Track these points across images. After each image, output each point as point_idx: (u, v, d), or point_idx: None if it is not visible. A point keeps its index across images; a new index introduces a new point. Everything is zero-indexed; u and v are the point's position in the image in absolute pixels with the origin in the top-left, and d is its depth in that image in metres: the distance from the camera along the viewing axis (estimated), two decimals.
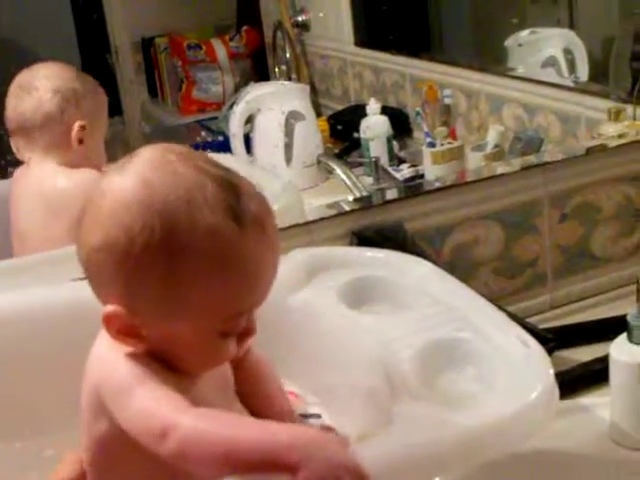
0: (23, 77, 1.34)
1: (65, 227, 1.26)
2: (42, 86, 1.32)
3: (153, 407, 0.73)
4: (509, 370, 0.85)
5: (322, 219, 1.26)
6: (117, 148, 1.44)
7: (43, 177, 1.32)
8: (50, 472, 0.88)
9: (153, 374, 0.76)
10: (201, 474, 0.71)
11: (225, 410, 0.80)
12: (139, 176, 0.75)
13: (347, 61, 1.94)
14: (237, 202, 0.76)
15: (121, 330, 0.77)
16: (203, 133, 1.78)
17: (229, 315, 0.78)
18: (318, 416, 0.90)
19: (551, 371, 0.83)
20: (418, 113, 1.65)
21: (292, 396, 0.98)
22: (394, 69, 1.83)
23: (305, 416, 0.90)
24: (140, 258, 0.74)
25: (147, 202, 0.74)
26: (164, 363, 0.78)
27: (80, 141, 1.32)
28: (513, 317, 0.98)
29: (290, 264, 1.06)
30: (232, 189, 0.76)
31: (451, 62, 1.76)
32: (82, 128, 1.32)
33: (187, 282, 0.75)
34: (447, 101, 1.60)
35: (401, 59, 1.83)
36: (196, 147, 1.64)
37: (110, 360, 0.78)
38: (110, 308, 0.76)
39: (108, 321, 0.76)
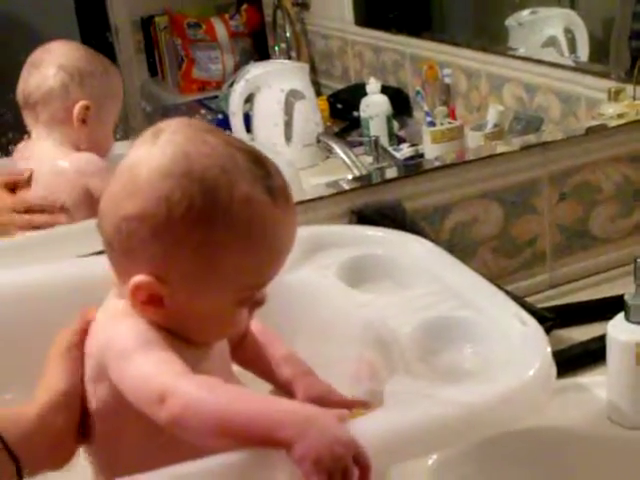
0: (36, 53, 1.34)
1: (65, 206, 1.27)
2: (50, 63, 1.32)
3: (153, 372, 0.73)
4: (507, 348, 0.85)
5: (321, 198, 1.26)
6: (117, 127, 1.43)
7: (42, 155, 1.32)
8: None
9: (156, 340, 0.76)
10: (196, 443, 0.71)
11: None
12: (176, 146, 0.76)
13: (347, 40, 1.93)
14: (267, 175, 0.78)
15: (146, 299, 0.77)
16: (203, 112, 1.78)
17: (254, 284, 0.80)
18: None
19: (548, 349, 0.83)
20: (418, 92, 1.65)
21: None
22: (394, 48, 1.83)
23: None
24: (178, 226, 0.75)
25: (186, 171, 0.75)
26: (170, 333, 0.79)
27: (83, 121, 1.31)
28: (512, 296, 0.98)
29: None
30: (260, 162, 0.78)
31: (451, 41, 1.75)
32: (85, 108, 1.31)
33: (222, 251, 0.76)
34: (447, 80, 1.60)
35: (401, 38, 1.82)
36: None
37: (114, 327, 0.79)
38: (141, 277, 0.76)
39: (136, 290, 0.77)
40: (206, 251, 0.76)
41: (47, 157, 1.31)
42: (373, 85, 1.64)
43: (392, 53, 1.83)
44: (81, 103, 1.31)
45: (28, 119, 1.33)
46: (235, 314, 0.81)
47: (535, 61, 1.60)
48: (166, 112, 1.84)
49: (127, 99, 1.76)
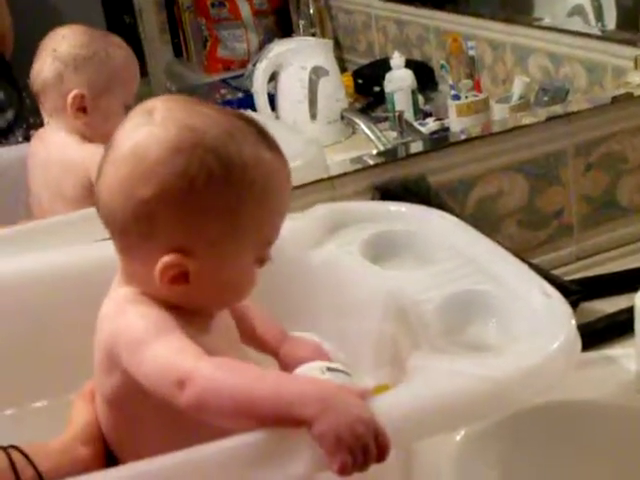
0: (44, 40, 1.32)
1: (68, 197, 1.26)
2: (47, 51, 1.30)
3: (171, 358, 0.73)
4: (531, 321, 0.84)
5: (345, 174, 1.26)
6: None
7: (52, 144, 1.31)
8: None
9: (168, 325, 0.76)
10: (217, 424, 0.71)
11: (236, 357, 0.82)
12: (177, 121, 0.77)
13: (371, 15, 1.92)
14: (261, 132, 0.80)
15: (173, 278, 0.78)
16: (226, 91, 1.78)
17: (270, 239, 0.82)
18: (346, 373, 0.90)
19: (573, 321, 0.83)
20: (443, 66, 1.63)
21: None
22: (418, 22, 1.82)
23: (331, 369, 0.90)
24: (201, 197, 0.76)
25: (196, 143, 0.76)
26: (182, 311, 0.79)
27: (82, 110, 1.28)
28: (537, 269, 0.97)
29: (312, 219, 1.06)
30: (252, 122, 0.80)
31: (476, 13, 1.74)
32: (79, 97, 1.28)
33: (242, 211, 0.78)
34: (472, 53, 1.58)
35: (425, 11, 1.81)
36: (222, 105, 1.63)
37: (123, 316, 0.79)
38: (169, 257, 0.77)
39: (165, 271, 0.77)
40: (228, 214, 0.77)
41: (58, 146, 1.30)
42: (397, 59, 1.63)
43: (416, 27, 1.82)
44: (73, 93, 1.27)
45: (40, 107, 1.32)
46: (253, 274, 0.82)
47: (561, 31, 1.58)
48: (192, 92, 1.84)
49: (153, 80, 1.77)
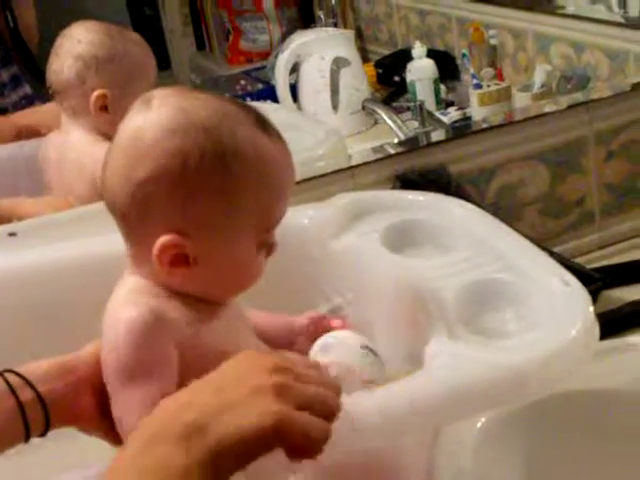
0: (60, 37, 1.31)
1: (79, 196, 1.25)
2: (67, 50, 1.29)
3: (133, 413, 0.75)
4: (549, 310, 0.84)
5: (365, 163, 1.26)
6: None
7: (67, 144, 1.31)
8: None
9: (158, 363, 0.77)
10: None
11: (246, 347, 0.82)
12: (171, 106, 0.78)
13: (392, 5, 1.92)
14: (256, 116, 0.81)
15: (172, 260, 0.78)
16: (249, 83, 1.78)
17: (269, 224, 0.82)
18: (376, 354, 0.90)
19: (591, 308, 0.82)
20: (464, 55, 1.63)
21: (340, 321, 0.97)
22: (440, 11, 1.81)
23: (365, 347, 0.90)
24: (194, 176, 0.76)
25: (189, 123, 0.77)
26: (189, 298, 0.80)
27: (103, 109, 1.28)
28: (559, 258, 0.97)
29: (332, 209, 1.07)
30: (246, 108, 0.81)
31: (497, 2, 1.73)
32: (102, 97, 1.27)
33: (237, 193, 0.78)
34: (493, 42, 1.58)
35: (447, 0, 1.81)
36: (243, 97, 1.64)
37: (119, 313, 0.79)
38: (166, 237, 0.77)
39: (162, 252, 0.78)
40: (223, 196, 0.78)
41: (73, 146, 1.30)
42: (418, 49, 1.63)
43: (438, 16, 1.82)
44: (96, 93, 1.27)
45: (58, 106, 1.32)
46: (256, 261, 0.82)
47: (582, 18, 1.58)
48: (215, 84, 1.84)
49: (176, 73, 1.77)
